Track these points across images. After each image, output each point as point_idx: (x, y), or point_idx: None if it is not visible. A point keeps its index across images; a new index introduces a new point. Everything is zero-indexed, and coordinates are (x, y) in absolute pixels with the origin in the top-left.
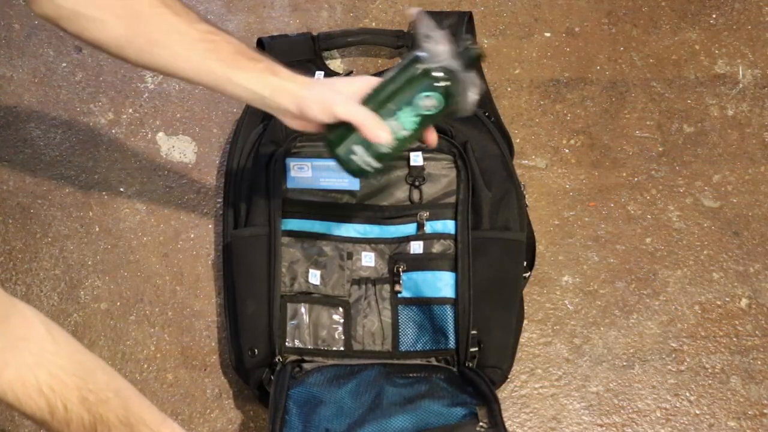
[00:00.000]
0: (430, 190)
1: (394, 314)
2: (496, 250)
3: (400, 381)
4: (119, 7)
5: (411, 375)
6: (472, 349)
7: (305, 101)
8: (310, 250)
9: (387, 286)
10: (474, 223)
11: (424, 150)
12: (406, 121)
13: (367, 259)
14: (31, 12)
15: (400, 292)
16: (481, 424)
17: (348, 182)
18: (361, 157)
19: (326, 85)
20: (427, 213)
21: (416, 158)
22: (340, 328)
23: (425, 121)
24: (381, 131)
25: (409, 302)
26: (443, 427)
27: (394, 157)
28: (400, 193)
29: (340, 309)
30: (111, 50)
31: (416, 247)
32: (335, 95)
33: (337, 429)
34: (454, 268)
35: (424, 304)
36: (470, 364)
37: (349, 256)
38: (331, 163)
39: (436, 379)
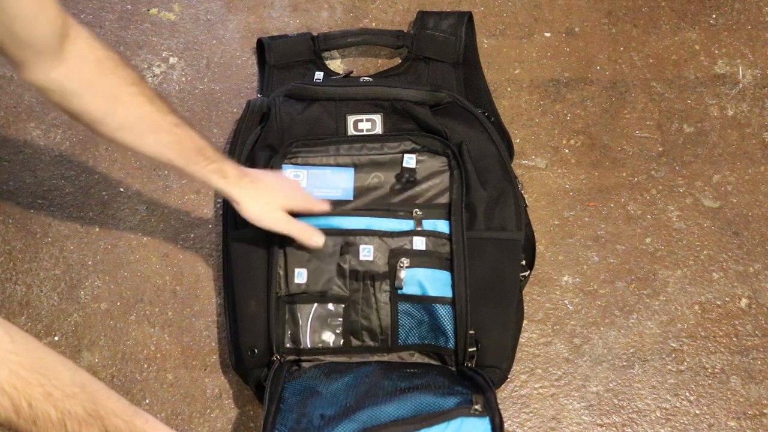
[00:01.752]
0: (422, 190)
1: (393, 311)
2: (492, 250)
3: (397, 375)
4: (101, 88)
5: (408, 370)
6: (470, 349)
7: (242, 211)
8: (304, 248)
9: (386, 282)
10: (468, 224)
11: (419, 151)
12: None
13: (366, 252)
14: (22, 79)
15: (401, 288)
16: (475, 407)
17: (341, 192)
18: None
19: (261, 195)
20: (421, 212)
21: (409, 160)
22: (339, 327)
23: None
24: (316, 237)
25: (408, 299)
26: (437, 413)
27: None
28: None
29: (340, 305)
30: (87, 124)
31: (419, 243)
32: (265, 212)
33: (330, 414)
34: (451, 268)
35: (424, 302)
36: (469, 364)
37: (346, 250)
38: (327, 171)
39: (434, 374)
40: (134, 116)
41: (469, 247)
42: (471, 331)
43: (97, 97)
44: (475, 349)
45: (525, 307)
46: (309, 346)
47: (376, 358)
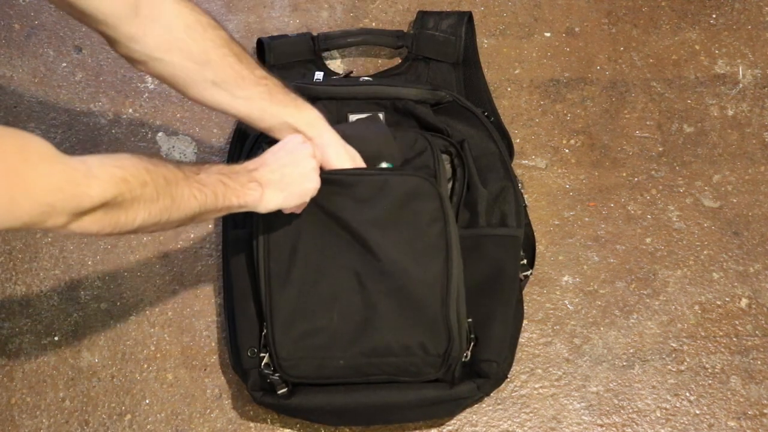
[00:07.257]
0: None
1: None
2: (493, 246)
3: None
4: (191, 53)
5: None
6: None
7: (323, 135)
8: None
9: None
10: (471, 221)
11: None
12: None
13: None
14: (112, 50)
15: None
16: None
17: None
18: None
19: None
20: None
21: None
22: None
23: None
24: None
25: None
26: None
27: None
28: None
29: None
30: (179, 88)
31: None
32: (343, 149)
33: None
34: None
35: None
36: (466, 355)
37: None
38: None
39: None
40: (226, 76)
41: (469, 243)
42: (469, 319)
43: (187, 63)
44: (473, 336)
45: (525, 307)
46: None
47: None
